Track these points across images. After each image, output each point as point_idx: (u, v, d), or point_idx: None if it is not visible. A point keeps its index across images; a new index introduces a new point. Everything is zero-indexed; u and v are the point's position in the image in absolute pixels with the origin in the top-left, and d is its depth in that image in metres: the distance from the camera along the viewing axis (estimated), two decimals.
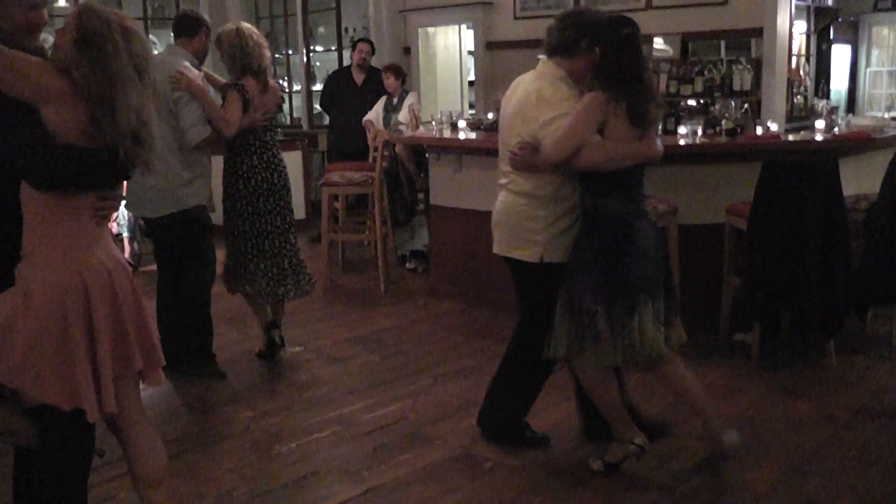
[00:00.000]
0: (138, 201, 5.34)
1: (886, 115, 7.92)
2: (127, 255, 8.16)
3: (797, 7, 10.00)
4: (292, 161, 10.35)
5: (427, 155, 7.41)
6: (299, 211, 10.35)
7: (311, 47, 12.29)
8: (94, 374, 2.84)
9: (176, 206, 5.24)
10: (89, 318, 2.82)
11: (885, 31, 13.66)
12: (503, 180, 4.17)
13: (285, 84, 12.77)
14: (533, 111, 3.95)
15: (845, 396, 4.95)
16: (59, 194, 2.80)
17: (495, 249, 4.27)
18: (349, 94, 9.42)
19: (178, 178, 5.22)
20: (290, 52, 12.58)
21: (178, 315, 5.45)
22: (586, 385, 4.09)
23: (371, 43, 9.74)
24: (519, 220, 4.08)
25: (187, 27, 5.38)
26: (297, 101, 12.60)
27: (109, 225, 7.69)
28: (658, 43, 8.81)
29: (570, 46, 3.97)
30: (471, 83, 11.30)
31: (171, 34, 5.46)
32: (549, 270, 4.02)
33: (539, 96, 3.95)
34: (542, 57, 4.11)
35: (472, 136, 7.04)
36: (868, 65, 13.68)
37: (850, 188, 5.50)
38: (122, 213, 8.06)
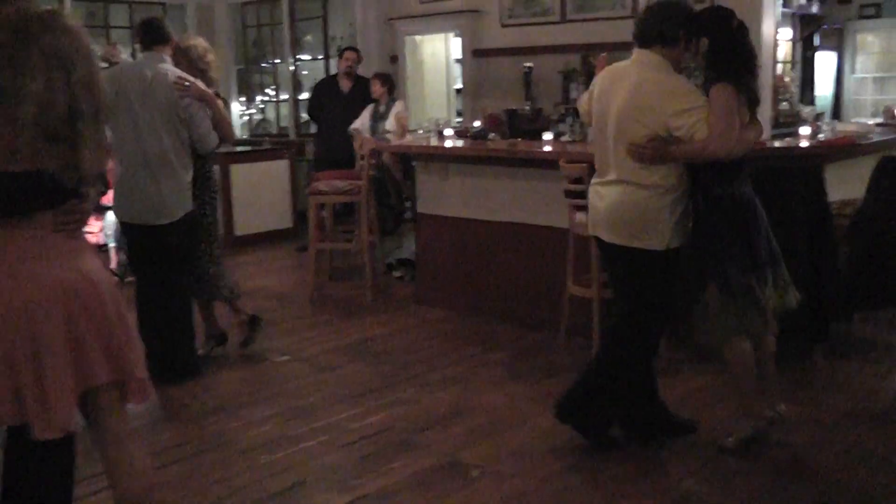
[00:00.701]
0: (153, 209, 5.37)
1: (871, 122, 7.93)
2: (114, 265, 8.14)
3: (782, 14, 10.05)
4: (280, 170, 10.39)
5: (414, 163, 7.41)
6: (286, 220, 10.40)
7: (298, 56, 12.28)
8: (42, 391, 2.76)
9: (185, 208, 5.45)
10: (35, 333, 2.74)
11: (870, 38, 13.75)
12: (619, 175, 4.13)
13: (273, 93, 12.75)
14: (658, 102, 3.99)
15: (832, 400, 4.95)
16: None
17: (612, 240, 4.23)
18: (336, 102, 9.42)
19: (183, 181, 5.43)
20: (278, 60, 12.57)
21: (165, 321, 5.49)
22: (738, 362, 4.21)
23: (357, 51, 9.75)
24: (645, 211, 4.09)
25: (163, 35, 5.52)
26: (284, 110, 12.57)
27: (95, 236, 7.69)
28: None
29: (671, 36, 4.06)
30: (458, 91, 11.30)
31: (142, 41, 5.54)
32: (670, 256, 4.13)
33: (661, 87, 4.02)
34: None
35: (459, 143, 7.04)
36: (853, 71, 13.75)
37: (835, 194, 5.51)
38: (109, 222, 8.04)
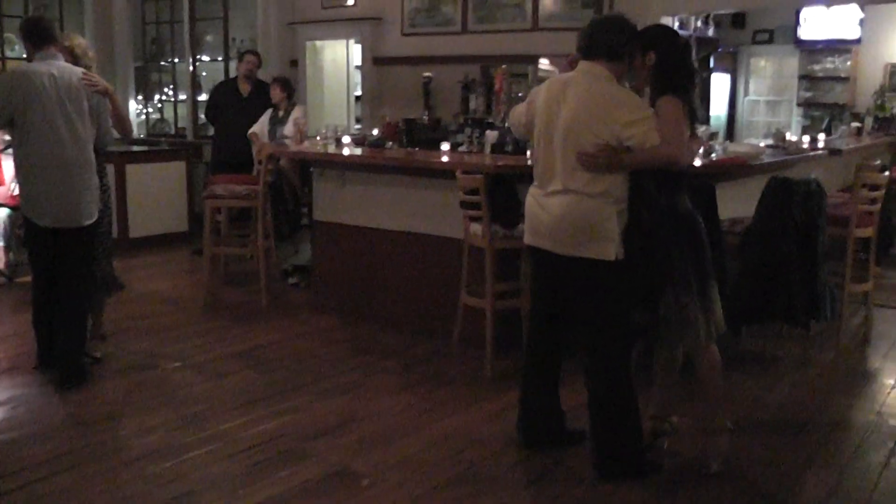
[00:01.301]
0: (77, 211, 5.37)
1: (762, 143, 8.19)
2: (2, 265, 7.95)
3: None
4: (176, 172, 10.25)
5: (312, 169, 7.39)
6: (182, 223, 10.26)
7: (198, 56, 12.12)
8: None
9: (99, 207, 5.52)
10: None
11: (763, 62, 14.30)
12: (566, 185, 4.12)
13: (171, 92, 12.55)
14: (609, 112, 4.02)
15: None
16: None
17: (560, 251, 4.20)
18: (235, 105, 9.34)
19: (97, 180, 5.49)
20: (177, 59, 12.38)
21: (68, 324, 5.46)
22: (706, 369, 4.26)
23: (258, 55, 9.68)
24: (596, 220, 4.09)
25: (54, 33, 5.49)
26: (182, 111, 12.39)
27: None
28: (544, 63, 8.93)
29: (617, 50, 4.12)
30: (357, 98, 11.31)
31: (33, 40, 5.42)
32: (620, 265, 4.12)
33: (612, 98, 4.07)
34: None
35: (357, 151, 7.05)
36: (746, 94, 14.25)
37: (727, 212, 5.65)
38: None
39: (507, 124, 4.74)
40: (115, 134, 5.65)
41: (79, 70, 5.38)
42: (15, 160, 5.44)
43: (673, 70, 4.11)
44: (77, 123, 5.29)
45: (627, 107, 4.05)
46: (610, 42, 4.13)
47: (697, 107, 4.27)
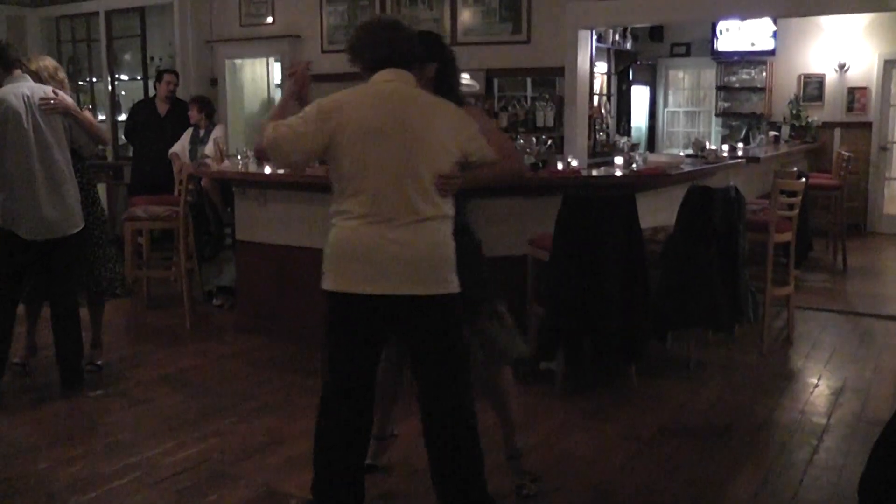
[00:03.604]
0: (63, 221, 5.56)
1: (682, 153, 8.32)
2: None
3: (598, 49, 10.45)
4: None
5: (233, 189, 7.31)
6: None
7: (116, 75, 11.95)
8: None
9: (82, 217, 5.71)
10: None
11: (681, 74, 14.64)
12: (430, 213, 3.46)
13: (90, 112, 12.36)
14: (456, 126, 3.54)
15: (647, 416, 5.15)
16: None
17: (426, 291, 3.47)
18: (153, 125, 9.24)
19: (77, 191, 5.69)
20: (94, 79, 12.21)
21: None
22: (505, 387, 4.12)
23: (177, 73, 9.58)
24: (452, 251, 3.54)
25: (16, 56, 5.67)
26: None
27: None
28: (465, 78, 8.98)
29: (418, 59, 3.68)
30: None
31: (2, 65, 5.57)
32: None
33: (450, 110, 3.57)
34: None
35: (279, 170, 6.98)
36: (666, 105, 14.54)
37: (648, 221, 5.71)
38: None
39: (260, 147, 3.69)
40: (95, 144, 5.93)
41: (38, 93, 5.50)
42: None
43: (450, 81, 3.92)
44: (52, 140, 5.49)
45: (464, 119, 3.59)
46: (415, 50, 3.64)
47: None
